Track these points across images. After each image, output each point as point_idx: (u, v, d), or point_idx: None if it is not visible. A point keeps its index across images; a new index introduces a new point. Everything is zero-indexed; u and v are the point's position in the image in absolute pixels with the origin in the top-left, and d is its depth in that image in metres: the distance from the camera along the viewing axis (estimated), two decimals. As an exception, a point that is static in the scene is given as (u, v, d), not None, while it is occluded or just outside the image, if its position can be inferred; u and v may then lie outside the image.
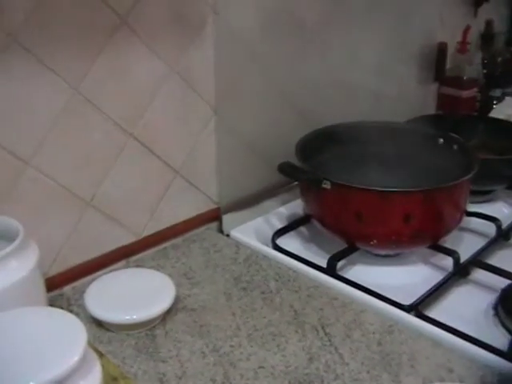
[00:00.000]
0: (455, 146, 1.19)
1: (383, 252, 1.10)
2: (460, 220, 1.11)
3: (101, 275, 0.99)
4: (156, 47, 1.00)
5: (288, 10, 1.22)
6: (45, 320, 0.69)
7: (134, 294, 0.92)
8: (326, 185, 1.02)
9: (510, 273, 1.01)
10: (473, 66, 1.79)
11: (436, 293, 1.00)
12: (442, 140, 1.22)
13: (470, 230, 1.21)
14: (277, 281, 1.03)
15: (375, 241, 1.05)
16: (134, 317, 0.88)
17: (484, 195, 1.33)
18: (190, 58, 1.06)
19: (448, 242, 1.14)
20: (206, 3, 1.06)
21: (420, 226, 1.04)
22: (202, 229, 1.19)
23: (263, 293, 0.99)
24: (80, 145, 0.95)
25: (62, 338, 0.66)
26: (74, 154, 0.95)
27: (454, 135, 1.22)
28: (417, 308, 0.94)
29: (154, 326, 0.91)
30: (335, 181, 1.02)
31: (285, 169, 1.10)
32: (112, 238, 1.05)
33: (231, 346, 0.87)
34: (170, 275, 0.99)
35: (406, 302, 0.96)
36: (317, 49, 1.31)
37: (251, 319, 0.93)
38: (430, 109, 1.76)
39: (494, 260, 1.11)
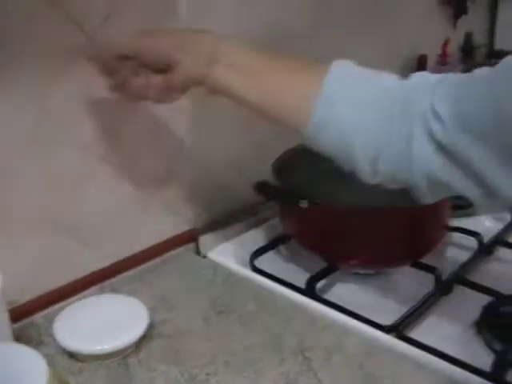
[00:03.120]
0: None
1: (365, 271, 1.08)
2: (443, 236, 1.09)
3: (73, 301, 0.96)
4: (127, 66, 0.98)
5: (272, 21, 1.19)
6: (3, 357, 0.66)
7: (106, 322, 0.89)
8: (304, 204, 1.00)
9: (491, 289, 0.99)
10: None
11: (418, 311, 0.97)
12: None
13: (454, 245, 1.20)
14: (255, 303, 1.00)
15: (355, 260, 1.02)
16: (106, 346, 0.85)
17: (465, 209, 1.31)
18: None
19: (431, 257, 1.12)
20: (180, 18, 1.04)
21: (402, 245, 1.02)
22: (180, 250, 1.16)
23: (241, 316, 0.97)
24: (50, 168, 0.93)
25: (21, 375, 0.62)
26: (44, 178, 0.92)
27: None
28: (398, 329, 0.92)
29: (127, 355, 0.88)
30: (313, 200, 1.00)
31: (261, 188, 1.07)
32: (85, 263, 1.02)
33: (207, 374, 0.84)
34: (145, 300, 0.96)
35: (388, 322, 0.93)
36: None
37: (228, 344, 0.90)
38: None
39: (477, 275, 1.09)
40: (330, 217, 1.00)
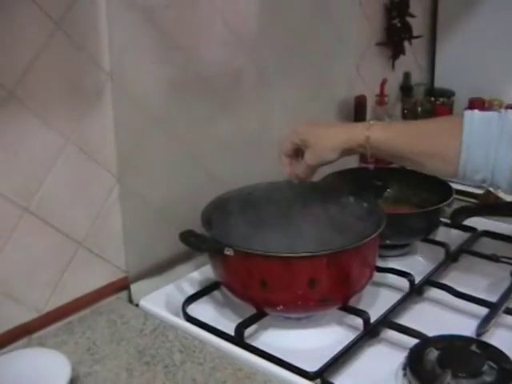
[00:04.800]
0: (365, 204, 1.19)
1: (293, 316, 1.08)
2: (369, 278, 1.10)
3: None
4: (49, 118, 0.99)
5: (195, 72, 1.21)
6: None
7: (27, 379, 0.88)
8: (229, 252, 1.00)
9: (417, 332, 1.00)
10: (392, 118, 1.82)
11: (345, 356, 0.98)
12: (351, 198, 1.21)
13: (386, 285, 1.20)
14: (182, 353, 0.99)
15: (282, 306, 1.03)
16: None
17: (400, 249, 1.33)
18: (88, 127, 1.05)
19: (363, 298, 1.13)
20: (103, 71, 1.05)
21: (327, 290, 1.02)
22: (112, 299, 1.15)
23: (166, 367, 0.96)
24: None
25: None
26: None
27: (363, 193, 1.22)
28: (322, 375, 0.92)
29: (48, 411, 0.87)
30: (237, 248, 1.00)
31: (186, 238, 1.07)
32: (10, 316, 1.01)
33: (127, 429, 0.84)
34: (72, 352, 0.96)
35: (314, 367, 0.93)
36: (228, 109, 1.30)
37: (150, 397, 0.90)
38: (354, 162, 1.75)
39: (408, 316, 1.10)
40: (255, 264, 1.01)
